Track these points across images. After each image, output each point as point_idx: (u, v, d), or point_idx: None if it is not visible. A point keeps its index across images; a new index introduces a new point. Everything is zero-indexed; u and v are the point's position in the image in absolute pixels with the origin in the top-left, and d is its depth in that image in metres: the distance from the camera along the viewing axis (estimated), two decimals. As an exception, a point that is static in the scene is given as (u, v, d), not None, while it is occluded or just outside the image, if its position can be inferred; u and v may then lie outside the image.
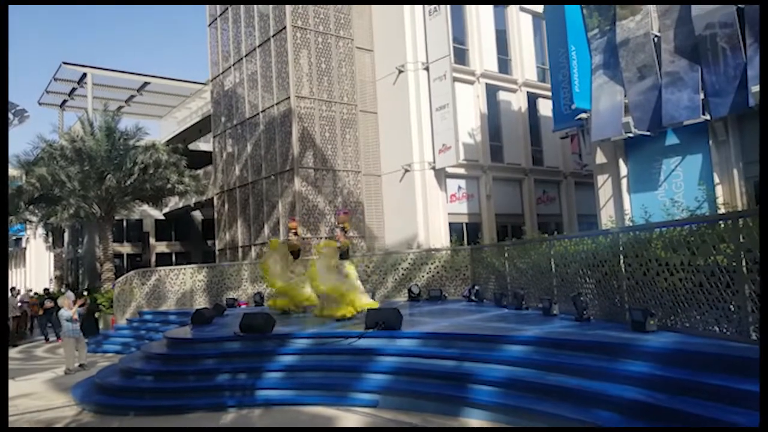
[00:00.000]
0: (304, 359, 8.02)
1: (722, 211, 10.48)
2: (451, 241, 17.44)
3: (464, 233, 18.95)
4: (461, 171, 19.11)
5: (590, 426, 4.69)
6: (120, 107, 32.22)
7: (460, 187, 19.44)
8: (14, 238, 42.79)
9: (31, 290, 29.16)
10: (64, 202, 21.75)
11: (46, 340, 18.22)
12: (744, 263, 5.30)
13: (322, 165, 18.86)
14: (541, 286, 9.51)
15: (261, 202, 19.99)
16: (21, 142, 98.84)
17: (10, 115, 19.84)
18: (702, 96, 10.82)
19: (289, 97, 18.47)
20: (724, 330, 5.70)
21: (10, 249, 44.02)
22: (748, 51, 10.03)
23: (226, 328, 9.59)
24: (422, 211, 18.23)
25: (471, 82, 19.80)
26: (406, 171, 18.69)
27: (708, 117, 10.91)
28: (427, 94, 18.54)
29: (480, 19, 20.44)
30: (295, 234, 12.36)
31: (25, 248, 41.98)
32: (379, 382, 7.13)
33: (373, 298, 12.93)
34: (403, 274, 13.83)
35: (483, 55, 20.28)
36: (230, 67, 21.96)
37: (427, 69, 18.62)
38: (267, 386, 7.63)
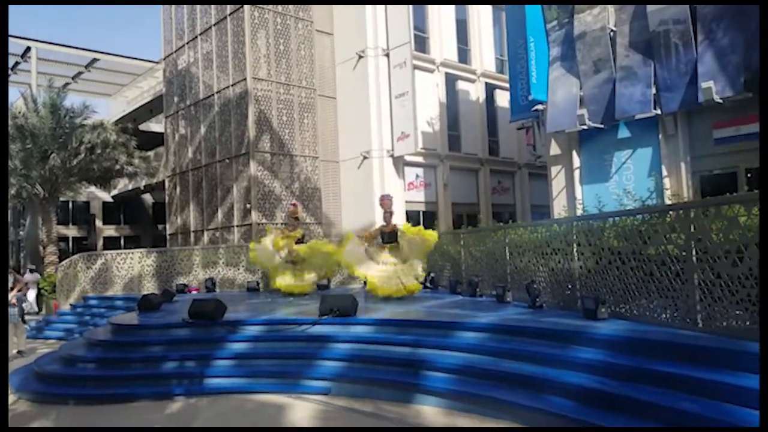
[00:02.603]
0: (256, 346, 7.81)
1: (670, 201, 10.79)
2: (407, 229, 17.41)
3: (421, 221, 18.95)
4: (419, 159, 19.11)
5: (591, 426, 4.67)
6: (66, 84, 30.82)
7: (417, 176, 19.46)
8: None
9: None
10: (3, 182, 20.65)
11: None
12: (694, 252, 5.41)
13: (279, 149, 18.51)
14: (496, 273, 9.57)
15: (215, 186, 19.48)
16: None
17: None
18: (654, 91, 11.06)
19: (245, 79, 18.00)
20: (672, 318, 5.83)
21: None
22: (699, 48, 10.28)
23: (175, 314, 9.27)
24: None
25: (431, 71, 19.77)
26: (365, 158, 18.55)
27: (659, 111, 11.18)
28: (387, 81, 18.40)
29: (441, 7, 20.38)
30: (297, 219, 11.71)
31: (-39, 230, 39.60)
32: (333, 369, 7.01)
33: (328, 285, 12.85)
34: (358, 261, 13.68)
35: (443, 43, 20.27)
36: (184, 46, 21.24)
37: (387, 55, 18.46)
38: (216, 374, 7.41)
